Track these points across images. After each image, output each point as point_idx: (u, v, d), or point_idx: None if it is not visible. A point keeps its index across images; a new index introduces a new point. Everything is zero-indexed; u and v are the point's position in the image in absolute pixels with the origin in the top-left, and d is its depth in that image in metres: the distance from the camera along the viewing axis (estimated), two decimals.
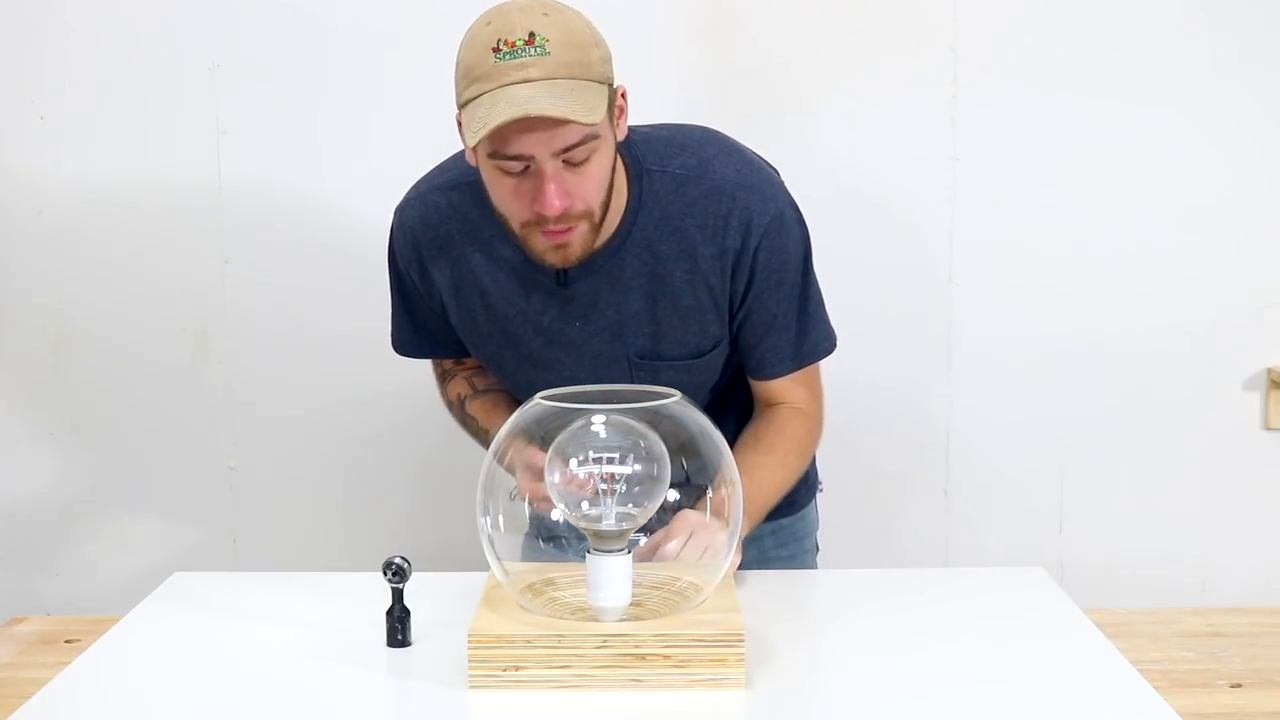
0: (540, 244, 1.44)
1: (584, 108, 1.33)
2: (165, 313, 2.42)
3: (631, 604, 1.27)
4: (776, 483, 1.56)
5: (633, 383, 1.56)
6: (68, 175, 2.38)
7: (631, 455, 1.26)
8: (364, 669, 1.29)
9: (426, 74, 2.27)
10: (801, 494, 1.75)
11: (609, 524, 1.26)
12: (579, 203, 1.40)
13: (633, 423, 1.28)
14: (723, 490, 1.32)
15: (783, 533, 1.73)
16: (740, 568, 1.47)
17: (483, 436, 1.65)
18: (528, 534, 1.40)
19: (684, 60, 2.32)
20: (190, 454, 2.46)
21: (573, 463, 1.26)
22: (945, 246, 2.40)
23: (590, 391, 1.32)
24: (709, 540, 1.34)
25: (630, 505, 1.26)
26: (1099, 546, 2.46)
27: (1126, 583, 2.44)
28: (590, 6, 1.43)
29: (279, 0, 2.34)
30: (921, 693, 1.23)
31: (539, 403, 1.31)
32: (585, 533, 1.27)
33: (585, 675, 1.21)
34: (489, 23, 1.36)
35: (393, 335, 1.71)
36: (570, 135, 1.35)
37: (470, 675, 1.22)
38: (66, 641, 1.72)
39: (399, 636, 1.33)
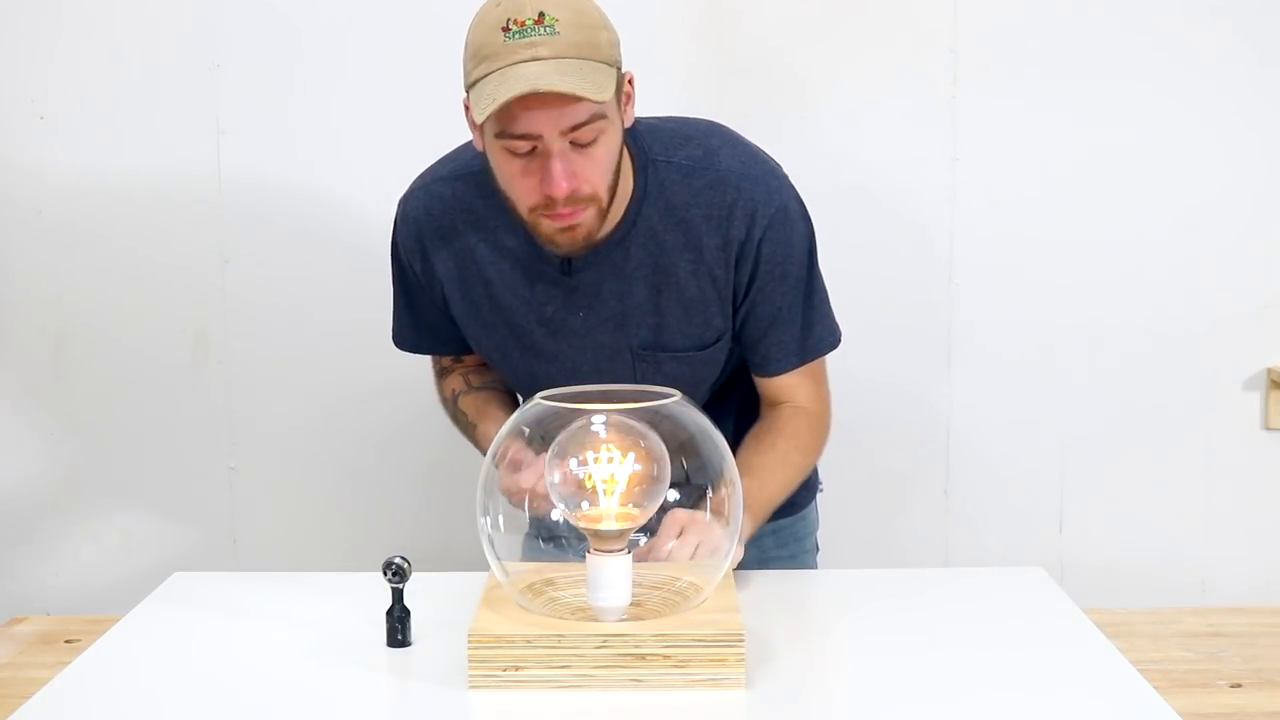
0: (548, 228, 1.43)
1: (592, 85, 1.33)
2: (165, 312, 2.42)
3: (631, 604, 1.27)
4: (778, 482, 1.56)
5: (635, 374, 1.56)
6: (68, 175, 2.38)
7: (631, 455, 1.26)
8: (364, 669, 1.29)
9: (427, 74, 2.29)
10: (802, 494, 1.75)
11: (609, 524, 1.26)
12: (585, 185, 1.40)
13: (633, 423, 1.28)
14: (723, 490, 1.32)
15: (783, 533, 1.73)
16: (740, 567, 1.47)
17: (472, 432, 1.65)
18: (528, 534, 1.40)
19: (685, 59, 2.32)
20: (190, 454, 2.46)
21: (572, 463, 1.26)
22: (945, 246, 2.40)
23: (590, 391, 1.32)
24: (701, 536, 1.33)
25: (630, 505, 1.26)
26: (1099, 546, 2.46)
27: (1126, 583, 2.44)
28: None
29: (279, 0, 2.34)
30: (921, 693, 1.23)
31: (539, 403, 1.31)
32: (585, 533, 1.27)
33: (585, 675, 1.21)
34: (498, 3, 1.36)
35: (393, 329, 1.71)
36: (578, 114, 1.35)
37: (470, 675, 1.22)
38: (66, 641, 1.72)
39: (399, 636, 1.33)
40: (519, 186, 1.41)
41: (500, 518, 1.32)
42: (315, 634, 1.37)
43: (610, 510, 1.26)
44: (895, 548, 2.45)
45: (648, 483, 1.27)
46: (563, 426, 1.29)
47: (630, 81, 1.44)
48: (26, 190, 2.39)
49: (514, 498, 1.34)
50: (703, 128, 1.57)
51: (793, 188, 1.55)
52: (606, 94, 1.35)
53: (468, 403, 1.67)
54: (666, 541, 1.34)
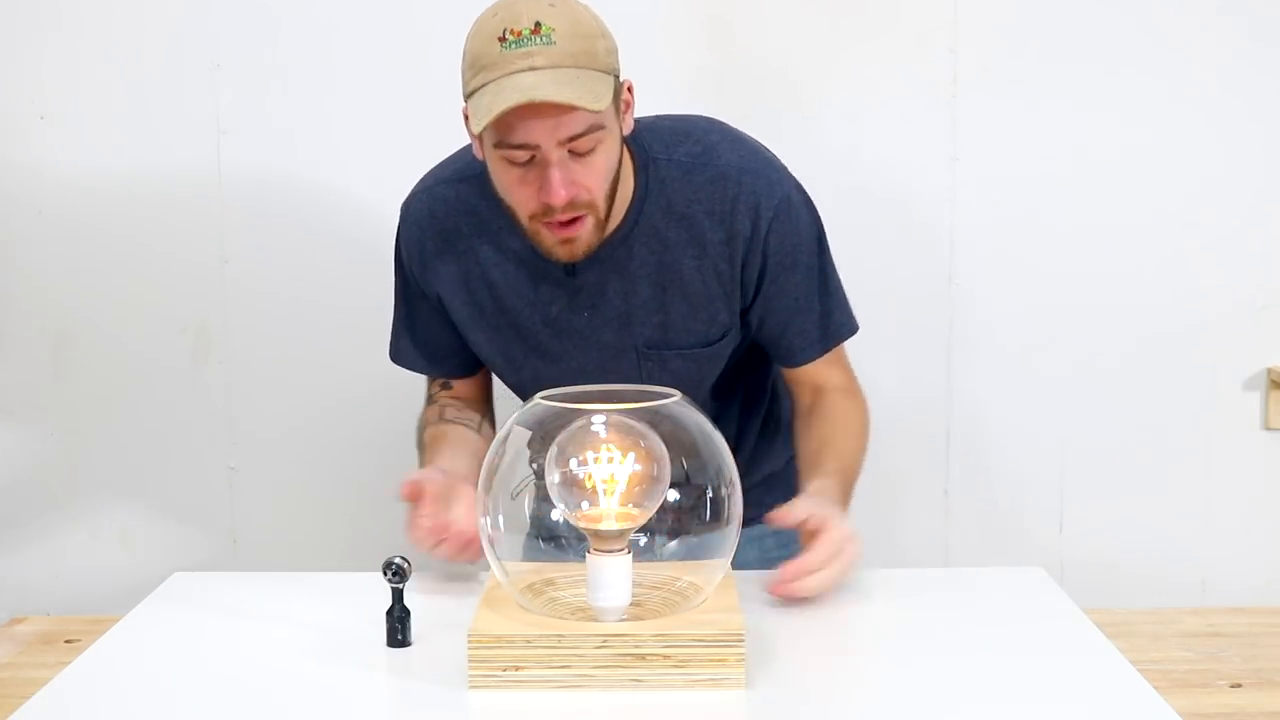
0: (547, 239, 1.44)
1: (590, 95, 1.33)
2: (165, 312, 2.42)
3: (631, 604, 1.27)
4: (851, 450, 1.58)
5: (640, 373, 1.56)
6: (68, 175, 2.39)
7: (631, 455, 1.26)
8: (364, 669, 1.29)
9: (428, 74, 2.29)
10: None
11: (609, 524, 1.26)
12: (584, 193, 1.40)
13: (633, 423, 1.28)
14: (723, 490, 1.32)
15: (784, 533, 1.72)
16: (741, 568, 1.47)
17: (421, 465, 1.62)
18: (528, 534, 1.40)
19: (684, 60, 2.32)
20: (190, 454, 2.46)
21: (572, 463, 1.26)
22: (945, 246, 2.40)
23: (590, 391, 1.32)
24: (854, 556, 1.36)
25: (630, 505, 1.26)
26: (1099, 546, 2.46)
27: (1126, 583, 2.44)
28: (591, 6, 1.43)
29: (279, 0, 2.34)
30: (921, 693, 1.23)
31: (539, 403, 1.31)
32: (585, 533, 1.27)
33: (585, 675, 1.21)
34: (495, 13, 1.37)
35: (391, 344, 1.70)
36: (575, 124, 1.35)
37: (470, 675, 1.22)
38: (66, 641, 1.72)
39: (399, 636, 1.33)
40: (517, 195, 1.42)
41: (500, 518, 1.31)
42: (315, 634, 1.37)
43: (610, 510, 1.26)
44: (895, 548, 2.44)
45: (648, 483, 1.26)
46: (563, 426, 1.29)
47: (629, 89, 1.44)
48: (26, 190, 2.39)
49: (419, 542, 1.37)
50: (700, 124, 1.57)
51: (793, 178, 1.55)
52: (603, 103, 1.35)
53: (430, 434, 1.64)
54: (818, 573, 1.36)
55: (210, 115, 2.36)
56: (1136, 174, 2.38)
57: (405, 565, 1.32)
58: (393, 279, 1.66)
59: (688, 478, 1.31)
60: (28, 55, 2.36)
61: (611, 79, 1.38)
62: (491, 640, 1.21)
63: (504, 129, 1.36)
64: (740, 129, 1.58)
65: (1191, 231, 2.39)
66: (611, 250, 1.51)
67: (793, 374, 1.61)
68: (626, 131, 1.46)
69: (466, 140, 1.55)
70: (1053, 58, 2.35)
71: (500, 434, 1.34)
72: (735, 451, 1.62)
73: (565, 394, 1.32)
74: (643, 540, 1.34)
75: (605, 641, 1.21)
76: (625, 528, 1.26)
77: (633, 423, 1.28)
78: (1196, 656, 1.68)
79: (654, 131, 1.53)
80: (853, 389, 1.63)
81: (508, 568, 1.32)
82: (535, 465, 1.35)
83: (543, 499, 1.33)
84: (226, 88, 2.36)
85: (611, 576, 1.25)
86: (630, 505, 1.26)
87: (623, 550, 1.26)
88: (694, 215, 1.50)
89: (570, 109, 1.33)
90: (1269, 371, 2.42)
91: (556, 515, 1.31)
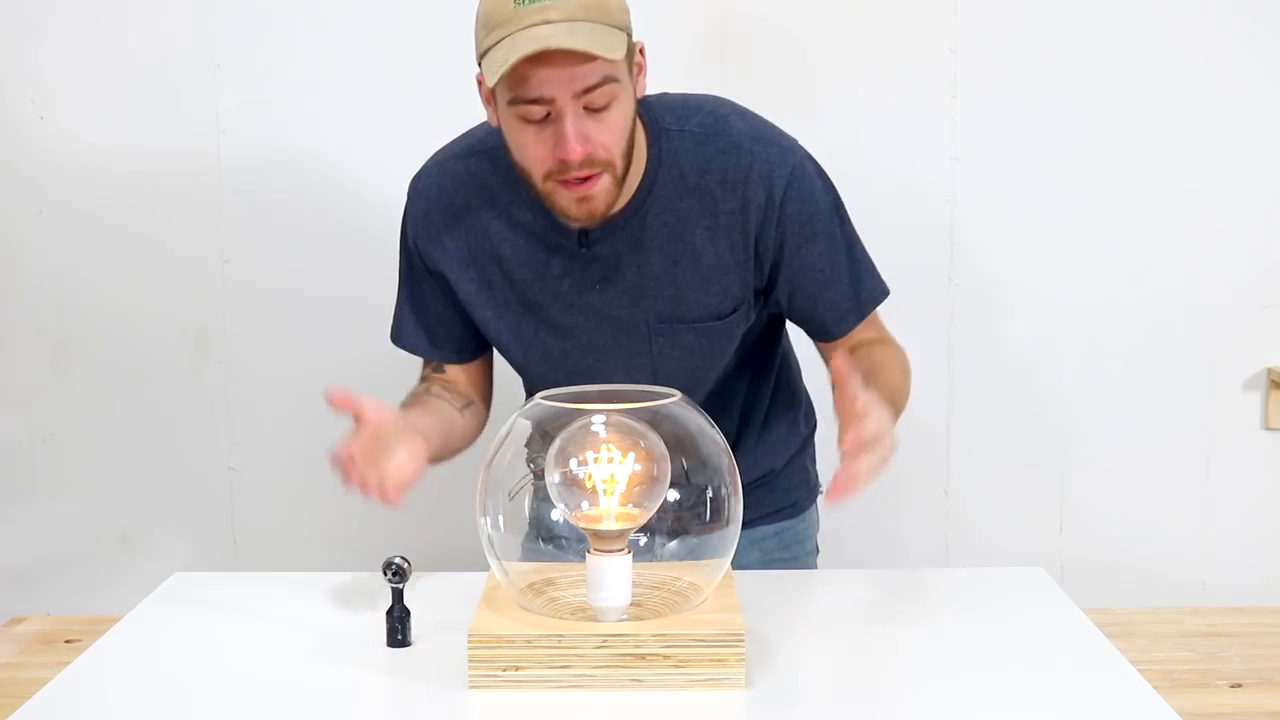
0: (564, 199, 1.42)
1: (604, 45, 1.33)
2: (165, 313, 2.42)
3: (631, 604, 1.27)
4: (896, 385, 1.51)
5: (651, 348, 1.55)
6: (68, 175, 2.38)
7: (631, 455, 1.26)
8: (364, 669, 1.29)
9: (428, 73, 2.29)
10: (803, 496, 1.75)
11: (609, 524, 1.26)
12: (600, 150, 1.39)
13: (633, 423, 1.28)
14: (723, 490, 1.32)
15: (786, 534, 1.73)
16: (744, 569, 1.47)
17: None
18: (528, 534, 1.40)
19: (684, 60, 2.32)
20: (190, 454, 2.46)
21: (572, 463, 1.26)
22: (945, 246, 2.40)
23: (590, 391, 1.32)
24: (891, 450, 1.26)
25: (630, 505, 1.26)
26: (1099, 546, 2.46)
27: (1126, 583, 2.44)
28: None
29: (279, 0, 2.34)
30: (921, 693, 1.23)
31: (539, 403, 1.31)
32: (585, 533, 1.27)
33: (585, 675, 1.21)
34: None
35: (393, 325, 1.68)
36: (590, 75, 1.35)
37: (470, 675, 1.22)
38: (66, 641, 1.72)
39: (399, 636, 1.33)
40: (533, 154, 1.40)
41: (500, 518, 1.32)
42: (315, 634, 1.37)
43: (610, 510, 1.26)
44: (895, 548, 2.44)
45: (648, 483, 1.27)
46: (563, 426, 1.29)
47: (641, 51, 1.44)
48: (26, 190, 2.39)
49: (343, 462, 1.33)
50: (710, 98, 1.57)
51: (804, 149, 1.54)
52: (618, 54, 1.34)
53: (408, 400, 1.62)
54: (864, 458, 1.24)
55: (210, 115, 2.36)
56: (1136, 174, 2.37)
57: (405, 565, 1.32)
58: (397, 261, 1.65)
59: (688, 478, 1.31)
60: (28, 55, 2.36)
61: (624, 34, 1.38)
62: (491, 640, 1.22)
63: (518, 82, 1.35)
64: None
65: (1192, 231, 2.39)
66: (625, 222, 1.50)
67: (832, 347, 1.58)
68: (640, 94, 1.45)
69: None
70: (1053, 57, 2.35)
71: (501, 433, 1.34)
72: (737, 443, 1.63)
73: (565, 394, 1.32)
74: (643, 540, 1.34)
75: (605, 641, 1.21)
76: (625, 528, 1.26)
77: (633, 423, 1.28)
78: (1196, 656, 1.68)
79: (664, 105, 1.53)
80: (888, 339, 1.60)
81: (508, 568, 1.32)
82: (534, 465, 1.35)
83: (542, 499, 1.33)
84: (226, 88, 2.36)
85: (611, 576, 1.25)
86: (630, 505, 1.26)
87: (623, 550, 1.26)
88: (707, 185, 1.49)
89: (585, 58, 1.33)
90: (1269, 371, 2.42)
91: (556, 515, 1.31)
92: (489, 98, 1.42)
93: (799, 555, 1.75)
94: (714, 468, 1.31)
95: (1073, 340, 2.42)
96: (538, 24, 1.32)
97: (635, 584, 1.28)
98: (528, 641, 1.21)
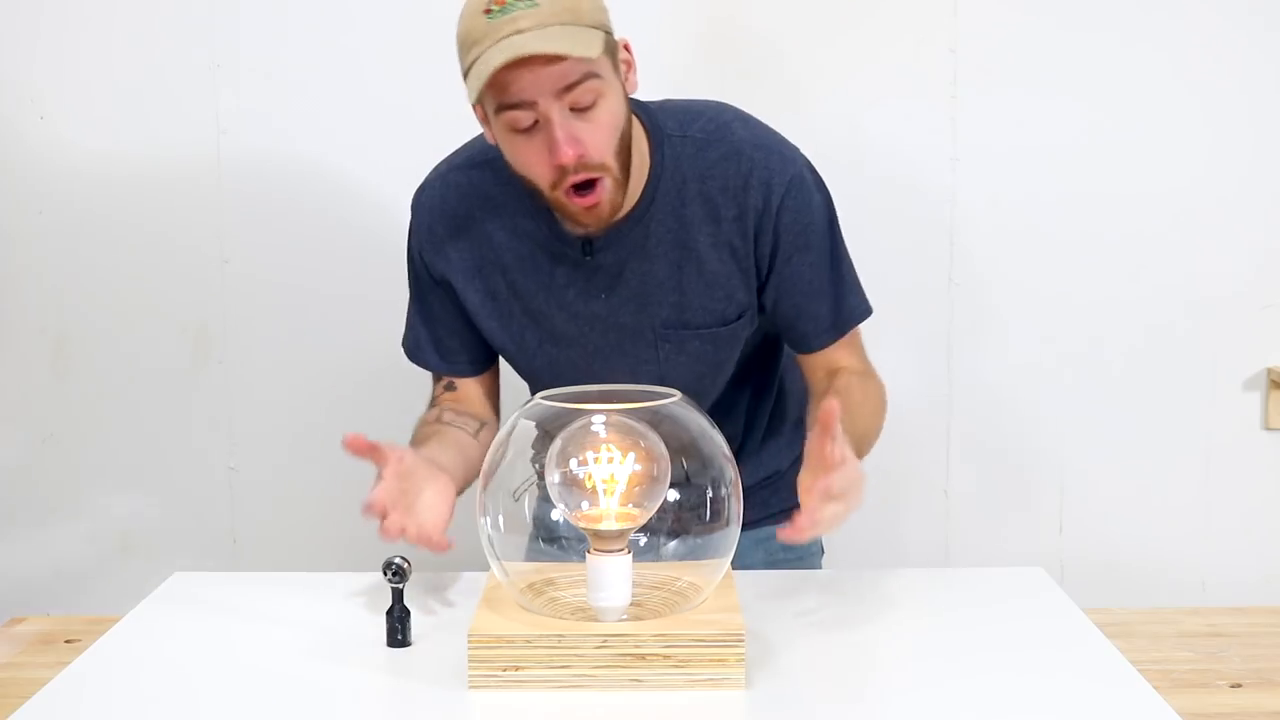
0: (571, 209, 1.43)
1: (578, 45, 1.34)
2: (165, 313, 2.42)
3: (631, 604, 1.27)
4: (864, 427, 1.51)
5: (657, 355, 1.55)
6: (68, 175, 2.38)
7: (631, 455, 1.26)
8: (364, 669, 1.29)
9: (429, 73, 2.27)
10: None
11: (609, 524, 1.26)
12: (593, 151, 1.39)
13: (633, 423, 1.28)
14: (723, 490, 1.32)
15: None
16: (748, 569, 1.47)
17: None
18: (529, 534, 1.40)
19: (683, 61, 2.32)
20: (190, 454, 2.46)
21: (573, 463, 1.26)
22: (945, 246, 2.40)
23: (590, 391, 1.32)
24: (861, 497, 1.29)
25: (630, 505, 1.26)
26: (1099, 546, 2.46)
27: (1126, 583, 2.44)
28: None
29: (279, 0, 2.34)
30: (921, 693, 1.23)
31: (539, 403, 1.31)
32: (585, 533, 1.27)
33: (585, 675, 1.21)
34: None
35: (408, 339, 1.68)
36: (569, 73, 1.35)
37: (470, 675, 1.22)
38: (66, 641, 1.72)
39: (399, 636, 1.33)
40: (534, 167, 1.41)
41: (500, 518, 1.32)
42: (315, 634, 1.37)
43: (610, 510, 1.26)
44: (895, 548, 2.44)
45: (648, 483, 1.27)
46: (563, 426, 1.29)
47: (627, 48, 1.44)
48: (26, 190, 2.39)
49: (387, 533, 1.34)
50: (713, 104, 1.57)
51: (806, 159, 1.54)
52: (592, 51, 1.35)
53: (423, 432, 1.61)
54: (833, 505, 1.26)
55: (210, 115, 2.36)
56: (1136, 174, 2.38)
57: (405, 565, 1.32)
58: (406, 276, 1.65)
59: (688, 478, 1.31)
60: (28, 55, 2.36)
61: (601, 33, 1.38)
62: (491, 640, 1.22)
63: (499, 91, 1.36)
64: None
65: (1192, 231, 2.39)
66: (629, 229, 1.50)
67: (808, 360, 1.59)
68: (631, 91, 1.45)
69: (470, 137, 1.56)
70: (1053, 57, 2.35)
71: (501, 433, 1.34)
72: (741, 448, 1.63)
73: (565, 394, 1.32)
74: (643, 540, 1.34)
75: (605, 641, 1.21)
76: (625, 528, 1.26)
77: (633, 423, 1.28)
78: (1196, 656, 1.68)
79: (666, 110, 1.54)
80: (868, 371, 1.61)
81: (508, 568, 1.32)
82: (537, 465, 1.35)
83: (543, 499, 1.33)
84: (226, 87, 2.36)
85: (611, 576, 1.25)
86: (630, 505, 1.26)
87: (623, 550, 1.26)
88: (709, 191, 1.50)
89: (559, 59, 1.34)
90: (1269, 371, 2.42)
91: (557, 515, 1.31)
92: (484, 116, 1.43)
93: (804, 555, 1.75)
94: (714, 468, 1.31)
95: (1073, 340, 2.42)
96: (510, 35, 1.33)
97: (635, 584, 1.28)
98: (528, 641, 1.21)
